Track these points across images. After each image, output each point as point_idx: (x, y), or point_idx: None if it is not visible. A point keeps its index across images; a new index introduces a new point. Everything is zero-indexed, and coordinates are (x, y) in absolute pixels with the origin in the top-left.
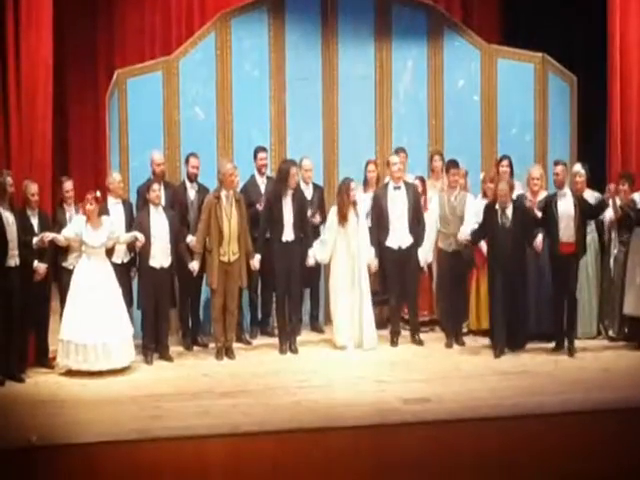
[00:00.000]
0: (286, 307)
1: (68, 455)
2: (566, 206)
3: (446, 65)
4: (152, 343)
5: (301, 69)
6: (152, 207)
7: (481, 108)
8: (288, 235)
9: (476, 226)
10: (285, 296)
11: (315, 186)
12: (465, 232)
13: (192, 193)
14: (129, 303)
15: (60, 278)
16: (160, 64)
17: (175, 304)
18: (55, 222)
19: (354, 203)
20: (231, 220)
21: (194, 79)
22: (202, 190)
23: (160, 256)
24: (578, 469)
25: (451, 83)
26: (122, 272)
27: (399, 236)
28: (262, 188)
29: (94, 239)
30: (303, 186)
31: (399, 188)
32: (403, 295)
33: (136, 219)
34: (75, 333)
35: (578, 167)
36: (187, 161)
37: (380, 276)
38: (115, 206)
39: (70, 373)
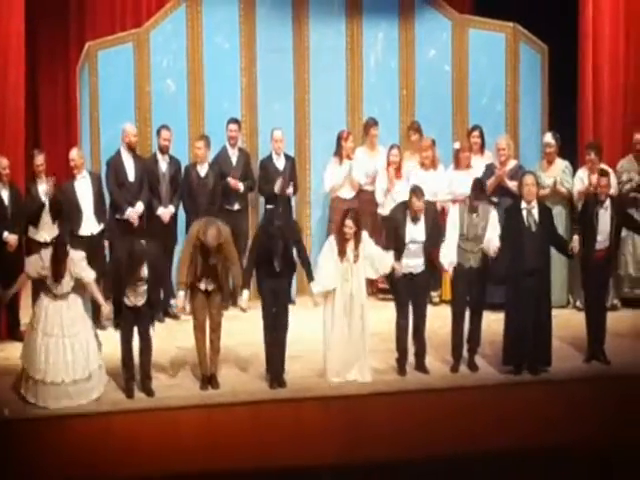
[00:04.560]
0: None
1: (41, 428)
2: (605, 217)
3: (417, 35)
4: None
5: (272, 41)
6: None
7: (452, 78)
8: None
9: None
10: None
11: (287, 157)
12: (494, 240)
13: (164, 165)
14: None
15: (31, 251)
16: (131, 36)
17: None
18: (27, 196)
19: (356, 240)
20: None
21: (165, 51)
22: (173, 162)
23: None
24: (550, 435)
25: (422, 53)
26: (94, 245)
27: (412, 261)
28: (234, 160)
29: (58, 288)
30: (274, 157)
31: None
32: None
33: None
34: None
35: (548, 137)
36: (159, 133)
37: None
38: (82, 180)
39: None
